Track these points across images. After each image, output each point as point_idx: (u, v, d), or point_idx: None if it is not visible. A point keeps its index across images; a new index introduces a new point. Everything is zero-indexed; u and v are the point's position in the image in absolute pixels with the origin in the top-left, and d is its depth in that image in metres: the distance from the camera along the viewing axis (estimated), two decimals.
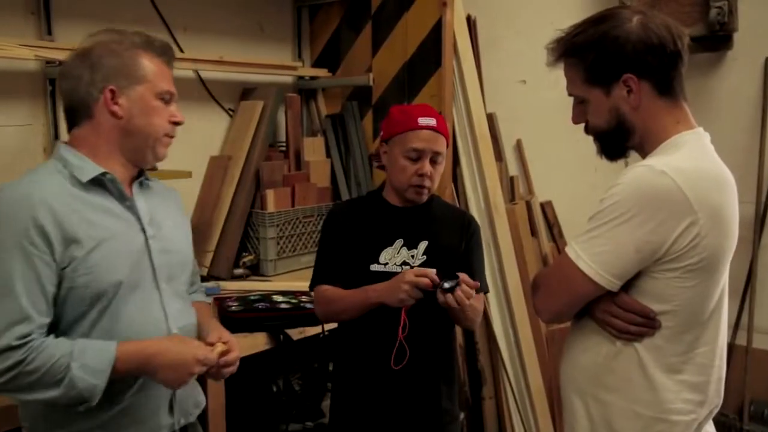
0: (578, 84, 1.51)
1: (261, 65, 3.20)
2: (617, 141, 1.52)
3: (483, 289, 2.02)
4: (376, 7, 3.29)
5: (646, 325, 1.44)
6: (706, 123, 1.51)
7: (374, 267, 1.89)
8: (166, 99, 1.52)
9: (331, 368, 2.08)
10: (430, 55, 3.10)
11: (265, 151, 3.08)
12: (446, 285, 1.72)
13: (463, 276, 1.74)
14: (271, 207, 2.96)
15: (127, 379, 1.45)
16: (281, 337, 2.25)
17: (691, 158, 1.42)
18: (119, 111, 1.47)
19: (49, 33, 2.57)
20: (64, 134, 2.60)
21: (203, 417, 1.78)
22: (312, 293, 2.00)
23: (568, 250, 1.46)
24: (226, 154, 3.07)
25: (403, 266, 1.89)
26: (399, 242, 1.92)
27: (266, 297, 2.44)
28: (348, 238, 1.94)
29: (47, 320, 1.36)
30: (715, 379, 1.51)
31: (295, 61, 3.52)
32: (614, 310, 1.46)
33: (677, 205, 1.36)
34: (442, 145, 1.89)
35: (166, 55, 1.54)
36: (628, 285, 1.45)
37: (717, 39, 3.17)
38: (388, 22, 3.25)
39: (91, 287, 1.39)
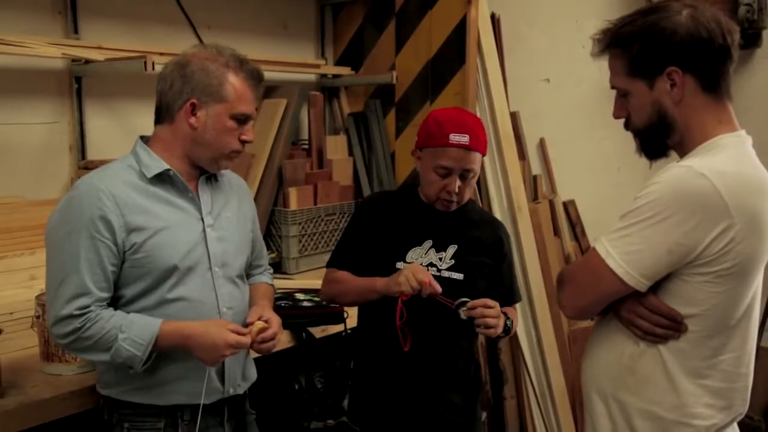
0: (621, 76, 1.47)
1: (284, 63, 3.20)
2: (658, 138, 1.48)
3: (515, 299, 2.05)
4: (400, 4, 3.28)
5: (672, 328, 1.42)
6: None
7: (400, 265, 1.89)
8: (240, 120, 1.66)
9: (352, 366, 2.08)
10: (453, 53, 3.09)
11: (287, 149, 3.09)
12: (463, 300, 1.80)
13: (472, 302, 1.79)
14: (293, 205, 2.97)
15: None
16: (303, 335, 2.25)
17: (733, 162, 1.39)
18: (195, 123, 1.62)
19: (76, 32, 2.60)
20: (90, 131, 2.67)
21: None
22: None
23: (597, 246, 1.43)
24: (248, 152, 3.08)
25: (429, 267, 1.88)
26: (428, 243, 1.91)
27: (288, 295, 2.44)
28: (377, 232, 1.95)
29: (106, 295, 1.56)
30: (740, 387, 1.48)
31: (318, 59, 3.53)
32: (640, 311, 1.44)
33: (714, 208, 1.34)
34: (473, 161, 1.83)
35: (253, 79, 1.67)
36: (657, 286, 1.43)
37: (746, 37, 3.12)
38: (412, 19, 3.24)
39: (149, 268, 1.58)
